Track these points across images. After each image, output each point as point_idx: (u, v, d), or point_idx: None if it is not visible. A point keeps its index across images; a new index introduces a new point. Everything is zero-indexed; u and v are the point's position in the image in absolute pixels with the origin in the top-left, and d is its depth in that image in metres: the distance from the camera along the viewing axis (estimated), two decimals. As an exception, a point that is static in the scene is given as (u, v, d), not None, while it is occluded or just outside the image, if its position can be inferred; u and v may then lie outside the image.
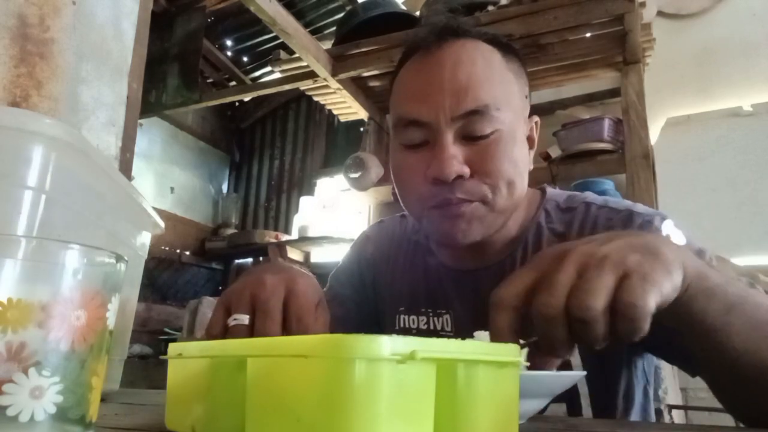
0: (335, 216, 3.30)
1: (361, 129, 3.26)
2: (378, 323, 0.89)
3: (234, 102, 4.37)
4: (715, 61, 2.46)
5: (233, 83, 4.19)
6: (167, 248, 3.84)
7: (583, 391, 0.68)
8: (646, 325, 0.41)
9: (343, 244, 3.05)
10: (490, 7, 2.23)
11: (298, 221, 3.48)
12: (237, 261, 4.20)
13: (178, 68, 3.15)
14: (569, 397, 0.68)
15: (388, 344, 0.27)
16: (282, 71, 2.71)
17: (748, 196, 2.22)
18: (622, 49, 2.18)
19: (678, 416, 1.92)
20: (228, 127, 4.63)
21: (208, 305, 2.76)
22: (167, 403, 0.41)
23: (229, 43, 4.09)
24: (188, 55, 3.17)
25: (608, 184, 2.23)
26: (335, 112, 3.04)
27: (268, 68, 3.79)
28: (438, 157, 0.66)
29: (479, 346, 0.33)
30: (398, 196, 0.76)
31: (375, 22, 2.43)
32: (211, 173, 4.47)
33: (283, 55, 2.64)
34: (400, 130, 0.71)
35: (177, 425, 0.39)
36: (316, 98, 2.88)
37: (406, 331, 0.81)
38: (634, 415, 0.70)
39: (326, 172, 4.03)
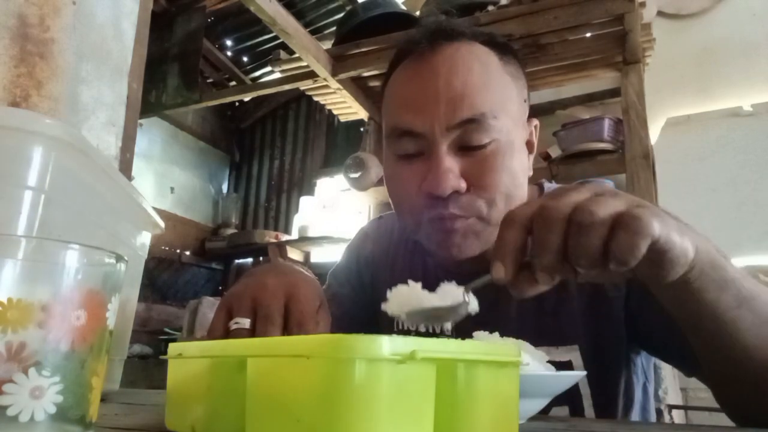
0: (335, 216, 3.30)
1: (361, 129, 3.26)
2: (377, 323, 0.87)
3: (234, 102, 4.37)
4: (715, 61, 2.46)
5: (233, 83, 4.19)
6: (167, 248, 3.84)
7: (585, 393, 0.68)
8: (644, 245, 0.38)
9: (343, 244, 3.03)
10: (490, 7, 2.23)
11: (298, 221, 3.49)
12: (237, 261, 4.20)
13: (178, 68, 3.15)
14: (571, 399, 0.68)
15: (388, 344, 0.27)
16: (282, 71, 2.71)
17: (748, 196, 2.22)
18: (622, 49, 2.18)
19: (678, 416, 1.92)
20: (228, 127, 4.63)
21: (208, 305, 2.76)
22: (167, 403, 0.41)
23: (229, 43, 4.09)
24: (188, 55, 3.17)
25: (608, 184, 2.23)
26: (335, 112, 3.04)
27: (268, 68, 3.79)
28: (433, 171, 0.64)
29: (479, 346, 0.33)
30: (392, 206, 0.75)
31: (375, 22, 2.43)
32: (211, 173, 4.47)
33: (283, 55, 2.65)
34: (394, 140, 0.69)
35: (177, 425, 0.39)
36: (316, 98, 2.88)
37: (405, 334, 0.80)
38: (635, 414, 0.70)
39: (326, 172, 4.03)
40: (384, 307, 0.48)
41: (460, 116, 0.64)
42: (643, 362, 0.72)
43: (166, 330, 3.20)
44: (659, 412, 0.80)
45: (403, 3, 2.71)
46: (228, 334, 0.52)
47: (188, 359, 0.40)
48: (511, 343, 0.50)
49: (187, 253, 4.02)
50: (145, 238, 0.75)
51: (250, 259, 4.09)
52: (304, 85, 2.71)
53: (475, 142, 0.64)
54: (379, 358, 0.26)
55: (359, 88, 2.74)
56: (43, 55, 1.12)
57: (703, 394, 1.94)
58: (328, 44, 2.65)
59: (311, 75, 2.58)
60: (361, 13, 2.53)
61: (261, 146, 4.58)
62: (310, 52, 2.40)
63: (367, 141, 2.99)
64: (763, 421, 0.51)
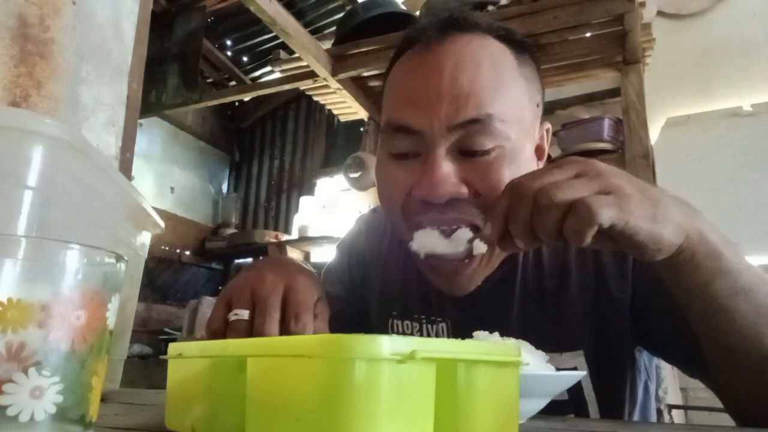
0: (335, 216, 3.30)
1: (361, 129, 3.26)
2: (368, 322, 0.82)
3: (234, 102, 4.37)
4: (715, 61, 2.46)
5: (233, 83, 4.19)
6: (167, 248, 3.84)
7: (591, 399, 0.66)
8: (589, 232, 0.42)
9: (343, 244, 3.05)
10: (490, 7, 2.23)
11: (298, 221, 3.49)
12: (237, 261, 4.20)
13: (178, 68, 3.15)
14: (576, 404, 0.66)
15: (388, 344, 0.27)
16: (282, 71, 2.72)
17: (748, 196, 2.22)
18: (622, 49, 2.18)
19: (678, 416, 1.92)
20: (228, 127, 4.63)
21: (208, 305, 2.76)
22: (167, 403, 0.41)
23: (229, 43, 4.09)
24: (188, 55, 3.17)
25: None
26: (335, 112, 3.04)
27: (268, 68, 3.79)
28: (428, 174, 0.58)
29: (479, 345, 0.33)
30: (382, 209, 0.70)
31: (375, 22, 2.44)
32: (211, 173, 4.47)
33: (283, 55, 2.65)
34: (388, 136, 0.62)
35: (177, 425, 0.39)
36: (316, 98, 2.88)
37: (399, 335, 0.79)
38: (636, 414, 0.69)
39: (326, 172, 4.03)
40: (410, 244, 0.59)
41: (463, 116, 0.57)
42: (645, 360, 0.71)
43: (166, 330, 3.20)
44: (659, 412, 0.80)
45: (403, 3, 2.71)
46: (227, 325, 0.53)
47: (188, 359, 0.40)
48: (511, 343, 0.50)
49: (187, 253, 4.02)
50: (145, 238, 0.75)
51: (250, 259, 4.08)
52: (304, 85, 2.71)
53: (478, 147, 0.58)
54: (379, 357, 0.26)
55: (359, 88, 2.74)
56: (43, 55, 1.12)
57: (703, 394, 1.94)
58: (328, 44, 2.66)
59: (311, 75, 2.58)
60: (361, 13, 2.53)
61: (261, 146, 4.58)
62: (310, 52, 2.40)
63: (367, 141, 2.99)
64: (762, 419, 0.51)
